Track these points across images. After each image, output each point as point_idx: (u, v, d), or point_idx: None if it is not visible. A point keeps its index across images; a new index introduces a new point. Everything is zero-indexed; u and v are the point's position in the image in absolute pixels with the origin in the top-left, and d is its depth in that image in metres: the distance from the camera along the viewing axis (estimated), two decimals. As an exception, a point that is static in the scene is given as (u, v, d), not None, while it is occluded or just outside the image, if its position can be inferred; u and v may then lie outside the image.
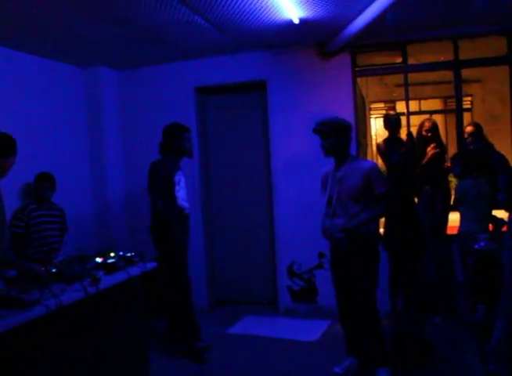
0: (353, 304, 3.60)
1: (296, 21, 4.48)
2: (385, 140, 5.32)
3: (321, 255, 5.18)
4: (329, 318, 4.97)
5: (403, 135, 5.38)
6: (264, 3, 4.06)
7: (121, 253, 3.72)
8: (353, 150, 5.04)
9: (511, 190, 3.15)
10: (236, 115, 5.84)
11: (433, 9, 4.42)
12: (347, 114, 5.05)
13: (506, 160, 4.85)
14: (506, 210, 3.28)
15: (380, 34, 5.06)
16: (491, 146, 5.11)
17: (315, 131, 3.57)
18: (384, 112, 8.10)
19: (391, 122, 5.27)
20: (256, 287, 5.76)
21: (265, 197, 5.69)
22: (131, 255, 3.72)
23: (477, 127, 5.32)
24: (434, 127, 5.27)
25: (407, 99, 5.37)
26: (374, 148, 7.24)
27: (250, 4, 4.06)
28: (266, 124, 5.58)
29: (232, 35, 4.90)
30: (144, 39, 4.85)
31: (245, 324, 5.17)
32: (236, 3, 4.03)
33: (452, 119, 5.69)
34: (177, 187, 4.31)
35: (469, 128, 5.22)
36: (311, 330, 4.82)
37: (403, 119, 5.39)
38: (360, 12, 4.41)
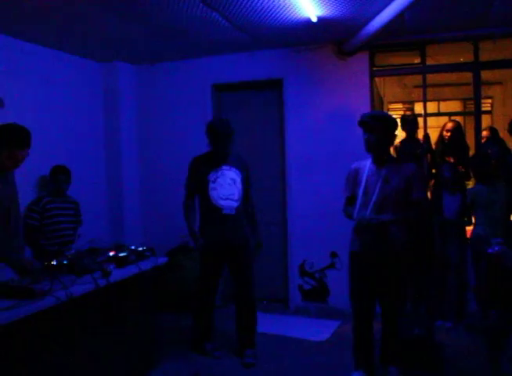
0: (383, 306, 3.52)
1: (314, 19, 4.45)
2: (402, 141, 5.28)
3: (333, 255, 5.20)
4: (340, 318, 4.94)
5: (420, 136, 5.34)
6: (282, 1, 4.05)
7: (133, 247, 3.76)
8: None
9: None
10: (252, 113, 5.83)
11: (452, 9, 4.37)
12: None
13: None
14: None
15: (398, 34, 5.02)
16: (508, 151, 5.04)
17: (361, 123, 3.42)
18: (401, 113, 8.03)
19: (408, 123, 5.23)
20: (267, 285, 5.74)
21: (278, 195, 5.69)
22: (143, 249, 3.75)
23: (493, 131, 5.27)
24: (456, 128, 5.21)
25: (425, 101, 5.32)
26: (392, 149, 7.20)
27: (269, 2, 4.06)
28: (282, 122, 5.58)
29: (249, 33, 4.90)
30: (162, 35, 4.87)
31: (255, 322, 5.16)
32: (254, 1, 4.03)
33: (472, 121, 5.63)
34: (211, 185, 4.12)
35: (484, 133, 5.17)
36: (320, 330, 4.80)
37: (420, 120, 5.33)
38: (379, 12, 4.37)
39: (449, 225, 4.62)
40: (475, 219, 4.54)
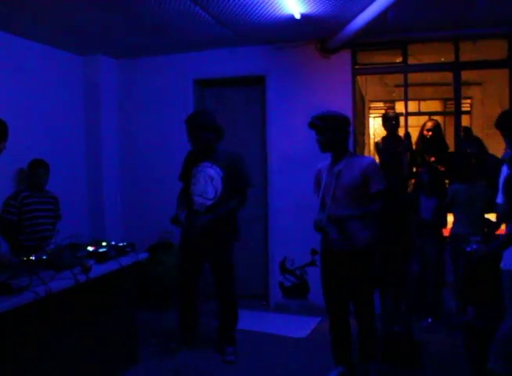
0: (354, 304, 3.50)
1: (297, 16, 4.46)
2: (384, 138, 5.31)
3: (314, 252, 5.21)
4: (320, 315, 4.96)
5: (401, 134, 5.39)
6: (265, -4, 4.04)
7: (113, 242, 3.73)
8: (350, 148, 5.06)
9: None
10: (234, 109, 5.81)
11: (434, 9, 4.41)
12: (345, 112, 4.92)
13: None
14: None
15: (381, 33, 5.04)
16: (485, 150, 5.13)
17: (311, 125, 3.42)
18: (383, 111, 8.08)
19: (390, 120, 5.27)
20: (248, 281, 5.74)
21: (259, 191, 5.67)
22: (123, 245, 3.72)
23: (467, 131, 5.36)
24: (436, 127, 5.29)
25: (406, 100, 5.36)
26: (372, 147, 7.24)
27: (252, -4, 4.05)
28: (264, 118, 5.58)
29: (233, 29, 4.89)
30: (144, 29, 4.82)
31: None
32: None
33: (451, 121, 5.69)
34: (192, 180, 4.13)
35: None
36: (301, 327, 4.82)
37: (401, 119, 5.37)
38: (362, 10, 4.40)
39: (425, 226, 4.67)
40: (454, 217, 4.59)
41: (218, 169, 4.07)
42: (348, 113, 5.13)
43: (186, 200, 4.15)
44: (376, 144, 5.47)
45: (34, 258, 3.01)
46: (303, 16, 4.47)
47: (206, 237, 4.00)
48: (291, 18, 4.50)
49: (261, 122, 5.64)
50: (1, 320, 2.52)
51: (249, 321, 5.00)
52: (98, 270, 3.30)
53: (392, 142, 5.19)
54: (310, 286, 5.28)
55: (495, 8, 4.40)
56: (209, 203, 4.03)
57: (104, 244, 3.65)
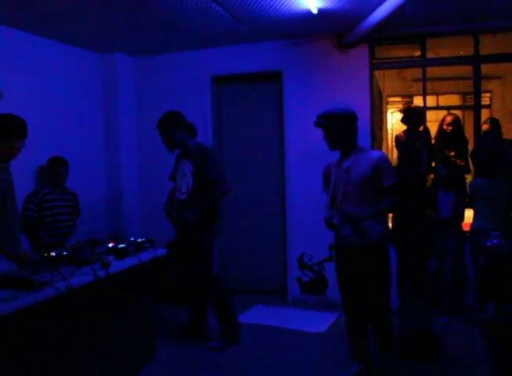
0: (368, 303, 3.46)
1: (314, 11, 4.44)
2: (405, 132, 5.24)
3: (332, 248, 5.18)
4: (338, 310, 4.92)
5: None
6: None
7: (132, 238, 3.76)
8: (367, 144, 5.04)
9: None
10: (251, 105, 5.82)
11: (453, 2, 4.35)
12: (362, 107, 5.02)
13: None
14: None
15: (399, 27, 5.00)
16: (508, 145, 5.04)
17: (317, 124, 3.38)
18: (401, 106, 8.00)
19: (415, 115, 5.17)
20: (266, 277, 5.77)
21: (278, 187, 5.69)
22: (142, 241, 3.75)
23: (494, 123, 5.24)
24: (456, 122, 5.23)
25: (424, 94, 5.30)
26: (390, 142, 7.19)
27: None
28: (281, 114, 5.56)
29: (249, 25, 4.88)
30: (161, 26, 4.84)
31: (254, 314, 5.18)
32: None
33: (471, 115, 5.62)
34: (175, 177, 4.39)
35: (485, 126, 5.16)
36: (319, 322, 4.82)
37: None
38: (380, 4, 4.36)
39: (444, 222, 4.63)
40: (475, 213, 4.54)
41: (189, 164, 4.23)
42: (366, 108, 5.12)
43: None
44: (397, 138, 5.41)
45: (54, 254, 3.05)
46: (320, 10, 4.45)
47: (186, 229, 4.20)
48: (308, 13, 4.48)
49: (278, 118, 5.64)
50: (24, 315, 2.56)
51: (267, 316, 5.03)
52: (117, 266, 3.34)
53: (413, 136, 5.13)
54: (328, 281, 5.25)
55: (514, 0, 4.34)
56: (183, 197, 4.22)
57: (123, 239, 3.68)
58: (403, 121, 5.24)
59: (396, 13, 4.38)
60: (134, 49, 5.79)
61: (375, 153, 3.44)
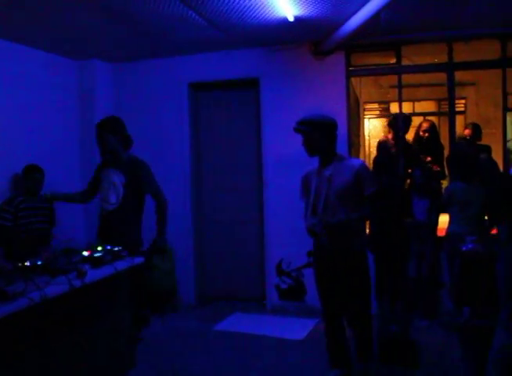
0: (349, 308, 3.48)
1: (291, 19, 4.47)
2: (388, 138, 5.32)
3: (310, 254, 5.18)
4: (317, 317, 4.95)
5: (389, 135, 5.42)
6: (259, 0, 4.05)
7: (109, 247, 3.71)
8: (345, 150, 5.07)
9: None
10: (228, 112, 5.83)
11: (427, 10, 4.42)
12: (339, 114, 5.05)
13: (495, 165, 4.87)
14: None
15: (374, 35, 5.06)
16: (482, 150, 5.14)
17: (296, 130, 3.39)
18: (377, 113, 8.10)
19: (399, 121, 5.28)
20: (244, 284, 5.76)
21: (256, 194, 5.70)
22: (119, 249, 3.70)
23: (476, 129, 5.35)
24: (432, 128, 5.32)
25: (400, 101, 5.36)
26: (367, 148, 7.25)
27: (246, 1, 4.05)
28: (259, 121, 5.58)
29: (227, 32, 4.89)
30: (138, 33, 4.83)
31: (232, 321, 5.16)
32: (231, 0, 4.02)
33: (446, 121, 5.70)
34: (100, 185, 4.31)
35: (467, 131, 5.25)
36: (298, 329, 4.83)
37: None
38: (355, 12, 4.41)
39: (420, 227, 4.68)
40: (450, 217, 4.59)
41: (120, 175, 4.14)
42: (342, 114, 5.16)
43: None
44: (383, 142, 5.46)
45: (28, 263, 3.00)
46: (296, 18, 4.48)
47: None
48: (285, 21, 4.51)
49: (255, 125, 5.65)
50: (-3, 326, 2.51)
51: (246, 324, 5.01)
52: (93, 275, 3.29)
53: (387, 143, 5.20)
54: (307, 288, 5.26)
55: (487, 8, 4.42)
56: (111, 207, 4.14)
57: (99, 248, 3.63)
58: (390, 125, 5.35)
59: (371, 21, 4.43)
60: (112, 56, 5.76)
61: (356, 162, 3.46)
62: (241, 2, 4.09)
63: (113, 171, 4.17)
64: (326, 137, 3.35)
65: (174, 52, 5.60)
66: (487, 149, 5.28)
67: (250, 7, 4.20)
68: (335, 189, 3.30)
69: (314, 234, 3.38)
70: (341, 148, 4.87)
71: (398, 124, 5.32)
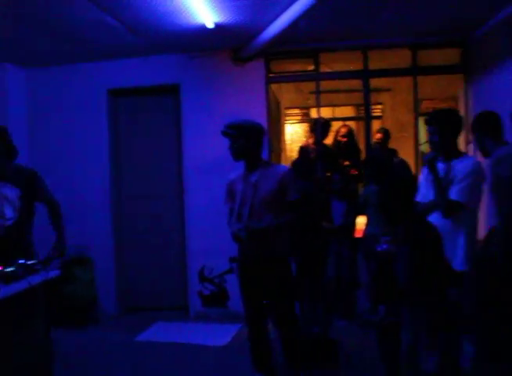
0: (275, 312, 3.52)
1: (210, 26, 4.48)
2: (310, 143, 5.43)
3: (232, 260, 5.20)
4: (240, 322, 4.98)
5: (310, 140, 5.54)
6: (178, 6, 4.04)
7: (22, 261, 3.56)
8: (265, 155, 5.11)
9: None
10: (149, 118, 5.76)
11: (343, 20, 4.58)
12: (260, 120, 5.02)
13: (407, 167, 5.09)
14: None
15: (293, 42, 5.17)
16: (394, 153, 5.37)
17: (224, 133, 3.42)
18: (299, 118, 8.25)
19: (318, 126, 5.41)
20: (167, 292, 5.70)
21: (176, 201, 5.65)
22: (33, 263, 3.55)
23: (386, 133, 5.58)
24: (349, 133, 5.48)
25: (318, 106, 5.51)
26: (288, 153, 7.36)
27: (165, 6, 4.03)
28: (179, 128, 5.56)
29: (145, 37, 4.84)
30: (54, 37, 4.68)
31: (154, 331, 5.09)
32: (150, 5, 3.98)
33: (364, 126, 5.89)
34: None
35: (378, 135, 5.46)
36: (221, 335, 4.83)
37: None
38: (274, 20, 4.49)
39: (338, 229, 4.81)
40: (367, 219, 4.75)
41: (12, 188, 3.82)
42: (263, 120, 5.22)
43: None
44: (301, 148, 5.56)
45: None
46: (216, 25, 4.50)
47: None
48: (204, 27, 4.51)
49: (176, 131, 5.62)
50: None
51: (169, 333, 4.96)
52: (5, 291, 3.14)
53: (308, 149, 5.33)
54: (229, 293, 5.28)
55: (398, 20, 4.63)
56: (8, 223, 3.80)
57: (12, 263, 3.47)
58: (310, 130, 5.50)
59: (290, 29, 4.51)
60: (26, 60, 5.53)
61: (281, 168, 3.51)
62: (160, 8, 4.06)
63: (4, 184, 3.79)
64: (252, 142, 3.38)
65: (92, 57, 5.47)
66: (394, 152, 5.53)
67: (169, 13, 4.19)
68: (260, 196, 3.34)
69: (239, 240, 3.38)
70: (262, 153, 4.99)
71: (317, 129, 5.45)
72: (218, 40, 5.01)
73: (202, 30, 4.59)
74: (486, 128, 3.26)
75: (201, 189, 5.40)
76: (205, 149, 5.36)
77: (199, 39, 4.94)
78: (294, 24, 4.43)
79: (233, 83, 5.37)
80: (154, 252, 5.73)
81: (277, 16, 4.41)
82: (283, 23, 4.44)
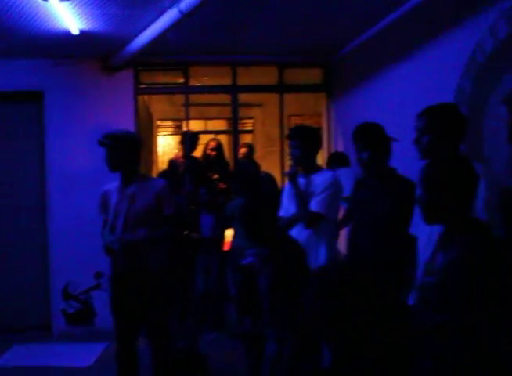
0: (149, 326, 3.44)
1: (75, 32, 4.32)
2: (183, 156, 5.42)
3: (98, 275, 5.02)
4: (107, 340, 4.80)
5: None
6: (38, 9, 3.83)
7: None
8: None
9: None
10: (9, 126, 5.39)
11: (211, 35, 4.66)
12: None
13: (273, 181, 5.26)
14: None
15: (163, 54, 5.17)
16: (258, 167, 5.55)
17: (101, 143, 3.33)
18: (171, 130, 8.22)
19: (188, 138, 5.42)
20: (27, 312, 5.35)
21: (38, 214, 5.35)
22: None
23: (251, 148, 5.75)
24: (219, 146, 5.54)
25: (188, 119, 5.57)
26: (160, 165, 7.29)
27: (28, 9, 3.81)
28: (42, 137, 5.28)
29: (6, 40, 4.56)
30: None
31: (12, 355, 4.73)
32: (5, 5, 3.74)
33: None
34: None
35: (243, 150, 5.59)
36: (86, 355, 4.62)
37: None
38: (142, 30, 4.43)
39: (207, 242, 4.85)
40: (234, 231, 4.81)
41: None
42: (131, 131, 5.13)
43: None
44: (170, 160, 5.53)
45: None
46: (82, 32, 4.35)
47: None
48: (69, 33, 4.34)
49: (39, 141, 5.32)
50: None
51: (28, 356, 4.65)
52: None
53: (176, 162, 5.33)
54: (96, 310, 5.08)
55: (264, 38, 4.81)
56: None
57: None
58: (181, 143, 5.50)
59: (158, 40, 4.48)
60: None
61: (158, 182, 3.51)
62: (24, 11, 3.83)
63: None
64: (130, 154, 3.32)
65: None
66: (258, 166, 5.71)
67: (30, 16, 3.96)
68: (136, 209, 3.28)
69: (111, 252, 3.30)
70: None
71: (186, 141, 5.47)
72: (85, 47, 4.86)
73: (67, 36, 4.42)
74: (366, 139, 3.21)
75: (67, 202, 5.17)
76: (71, 160, 5.15)
77: (64, 45, 4.75)
78: (162, 36, 4.41)
79: (102, 92, 5.23)
80: (14, 268, 5.35)
81: (146, 27, 4.37)
82: (150, 34, 4.41)
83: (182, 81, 5.47)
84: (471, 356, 1.67)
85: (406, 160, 2.59)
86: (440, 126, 2.45)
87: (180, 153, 5.64)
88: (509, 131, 2.63)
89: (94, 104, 5.23)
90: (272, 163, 6.13)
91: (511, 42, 2.67)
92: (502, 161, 2.73)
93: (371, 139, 3.11)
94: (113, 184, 3.48)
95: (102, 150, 5.04)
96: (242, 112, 7.93)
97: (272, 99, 7.08)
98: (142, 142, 3.51)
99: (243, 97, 6.78)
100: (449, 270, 1.75)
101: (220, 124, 8.42)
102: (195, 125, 7.87)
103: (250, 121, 8.41)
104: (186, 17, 3.66)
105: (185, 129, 6.98)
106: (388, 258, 2.92)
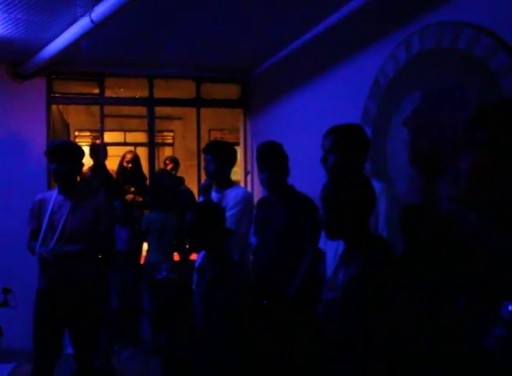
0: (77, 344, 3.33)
1: (-20, 36, 4.13)
2: (90, 168, 5.30)
3: (6, 291, 4.79)
4: (15, 360, 4.58)
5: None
6: None
7: None
8: (44, 178, 4.89)
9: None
10: None
11: (125, 47, 4.60)
12: (39, 140, 4.93)
13: (192, 196, 5.26)
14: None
15: (77, 63, 5.04)
16: (182, 181, 5.52)
17: (51, 154, 3.28)
18: (90, 141, 8.02)
19: (96, 151, 5.34)
20: None
21: None
22: None
23: (176, 162, 5.73)
24: (135, 159, 5.47)
25: (102, 131, 5.50)
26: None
27: None
28: None
29: None
30: None
31: None
32: None
33: (157, 152, 5.95)
34: None
35: (170, 165, 5.61)
36: (-10, 377, 4.38)
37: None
38: (54, 38, 4.30)
39: (123, 255, 4.75)
40: (149, 246, 4.76)
41: None
42: (42, 140, 5.00)
43: None
44: (84, 174, 5.39)
45: None
46: (-12, 36, 4.16)
47: None
48: (-26, 37, 4.15)
49: None
50: None
51: None
52: None
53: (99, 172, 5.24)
54: (3, 329, 4.83)
55: (182, 53, 4.80)
56: None
57: None
58: (90, 156, 5.36)
59: (71, 49, 4.35)
60: None
61: (99, 196, 3.54)
62: None
63: None
64: (71, 164, 3.28)
65: None
66: (182, 180, 5.71)
67: None
68: (74, 222, 3.24)
69: (47, 261, 3.17)
70: (40, 175, 4.81)
71: (95, 154, 5.40)
72: (-7, 52, 4.64)
73: (-28, 40, 4.22)
74: (264, 159, 3.25)
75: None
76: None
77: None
78: (74, 45, 4.29)
79: (12, 100, 5.01)
80: None
81: (58, 34, 4.24)
82: (62, 42, 4.26)
83: (97, 91, 5.35)
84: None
85: (314, 179, 2.66)
86: (345, 145, 2.52)
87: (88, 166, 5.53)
88: (410, 152, 2.80)
89: (4, 111, 4.99)
90: (191, 176, 6.11)
91: (409, 68, 2.82)
92: (404, 180, 2.86)
93: (269, 160, 3.19)
94: (47, 193, 3.45)
95: (8, 160, 4.91)
96: (162, 125, 7.90)
97: (192, 112, 7.07)
98: (84, 153, 3.47)
99: (164, 110, 6.74)
100: (348, 286, 1.82)
101: (140, 137, 8.29)
102: (113, 137, 7.73)
103: (171, 134, 8.37)
104: (98, 27, 3.58)
105: (106, 140, 6.87)
106: (286, 271, 3.00)
